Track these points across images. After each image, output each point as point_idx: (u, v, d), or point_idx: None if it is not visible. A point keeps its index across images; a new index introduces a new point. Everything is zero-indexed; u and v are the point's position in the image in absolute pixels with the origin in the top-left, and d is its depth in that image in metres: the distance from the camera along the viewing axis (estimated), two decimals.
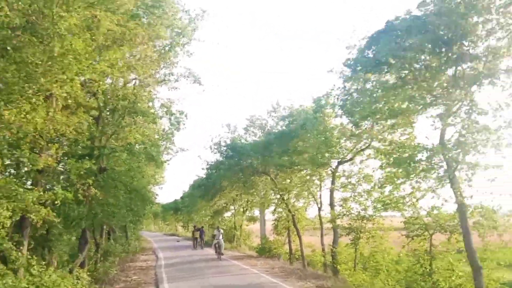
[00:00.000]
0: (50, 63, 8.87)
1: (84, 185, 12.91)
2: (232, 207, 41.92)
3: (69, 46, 8.86)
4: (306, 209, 28.16)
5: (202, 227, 36.91)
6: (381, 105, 13.18)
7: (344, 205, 19.68)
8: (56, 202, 13.11)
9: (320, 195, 24.33)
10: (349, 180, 20.21)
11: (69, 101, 12.37)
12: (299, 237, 25.21)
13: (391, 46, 10.96)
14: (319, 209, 24.08)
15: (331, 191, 22.12)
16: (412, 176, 12.50)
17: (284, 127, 26.71)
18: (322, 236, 23.84)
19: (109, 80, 18.05)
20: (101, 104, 16.10)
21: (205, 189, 40.33)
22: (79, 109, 12.50)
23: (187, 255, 29.60)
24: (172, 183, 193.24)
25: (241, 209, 40.24)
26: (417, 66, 12.07)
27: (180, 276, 19.30)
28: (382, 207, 16.31)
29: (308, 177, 25.36)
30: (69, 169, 12.41)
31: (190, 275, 19.35)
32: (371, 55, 12.78)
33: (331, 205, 21.95)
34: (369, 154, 18.95)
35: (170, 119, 18.17)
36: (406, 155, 12.08)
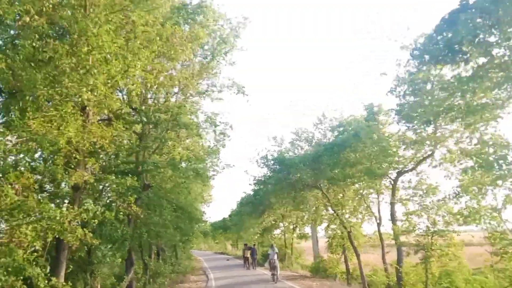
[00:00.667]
0: (75, 61, 7.59)
1: (124, 203, 11.55)
2: (281, 224, 39.86)
3: (93, 41, 7.56)
4: (361, 225, 25.77)
5: (254, 245, 34.71)
6: (457, 99, 11.02)
7: (408, 219, 17.28)
8: (93, 221, 11.94)
9: (379, 210, 21.97)
10: (415, 191, 17.74)
11: (105, 111, 11.24)
12: (357, 255, 22.79)
13: (474, 24, 8.92)
14: (379, 224, 21.67)
15: (392, 205, 19.75)
16: (501, 181, 10.20)
17: (333, 138, 24.75)
18: (383, 254, 21.35)
19: (151, 97, 17.09)
20: (143, 118, 14.92)
21: (252, 206, 38.70)
22: (117, 121, 11.29)
23: (238, 275, 27.83)
24: (220, 201, 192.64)
25: (291, 226, 38.06)
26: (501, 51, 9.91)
27: None
28: (458, 221, 13.90)
29: (363, 191, 23.10)
30: (109, 186, 11.15)
31: None
32: (441, 44, 10.77)
33: (393, 220, 19.56)
34: (444, 156, 16.41)
35: (214, 131, 16.76)
36: (495, 156, 9.80)
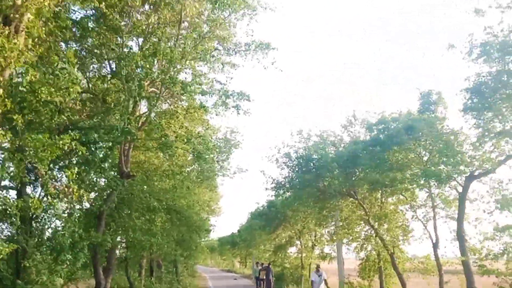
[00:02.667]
0: None
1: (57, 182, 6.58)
2: (297, 242, 34.24)
3: None
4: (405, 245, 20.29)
5: (270, 264, 27.50)
6: None
7: (497, 238, 11.95)
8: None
9: (435, 227, 16.53)
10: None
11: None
12: (402, 284, 17.38)
13: None
14: (435, 245, 16.24)
15: (460, 217, 14.40)
16: None
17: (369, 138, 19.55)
18: (442, 284, 15.87)
19: None
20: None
21: (266, 219, 33.29)
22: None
23: None
24: (229, 214, 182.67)
25: (309, 244, 32.45)
26: None
27: None
28: None
29: (413, 200, 17.77)
30: (30, 150, 6.21)
31: None
32: None
33: (460, 238, 14.20)
34: None
35: (224, 102, 11.68)
36: None
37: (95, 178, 9.59)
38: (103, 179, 10.39)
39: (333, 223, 24.72)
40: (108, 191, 10.35)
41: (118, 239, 14.76)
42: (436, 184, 15.25)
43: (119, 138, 8.99)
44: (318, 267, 15.72)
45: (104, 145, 9.47)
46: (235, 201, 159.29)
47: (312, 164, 18.51)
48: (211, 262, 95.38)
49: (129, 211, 12.19)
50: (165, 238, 15.50)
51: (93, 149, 8.96)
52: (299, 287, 29.20)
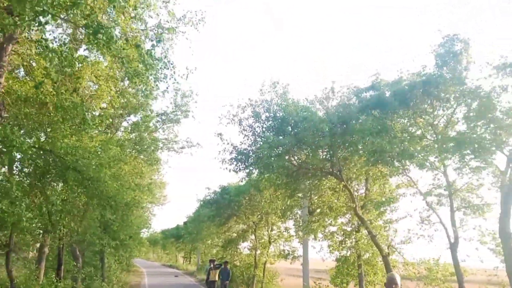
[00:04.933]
0: None
1: None
2: (252, 236, 28.88)
3: None
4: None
5: (226, 262, 20.39)
6: None
7: None
8: None
9: (453, 221, 11.76)
10: None
11: None
12: None
13: None
14: (453, 246, 11.49)
15: (506, 209, 9.71)
16: None
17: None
18: None
19: None
20: None
21: (217, 208, 27.73)
22: None
23: None
24: (176, 205, 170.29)
25: (266, 238, 27.11)
26: None
27: None
28: None
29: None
30: None
31: None
32: None
33: (504, 236, 9.55)
34: None
35: None
36: None
37: None
38: None
39: (299, 214, 19.77)
40: None
41: None
42: (470, 157, 10.47)
43: None
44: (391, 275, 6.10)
45: None
46: (183, 189, 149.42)
47: (290, 127, 13.26)
48: (153, 256, 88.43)
49: None
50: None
51: None
52: None
